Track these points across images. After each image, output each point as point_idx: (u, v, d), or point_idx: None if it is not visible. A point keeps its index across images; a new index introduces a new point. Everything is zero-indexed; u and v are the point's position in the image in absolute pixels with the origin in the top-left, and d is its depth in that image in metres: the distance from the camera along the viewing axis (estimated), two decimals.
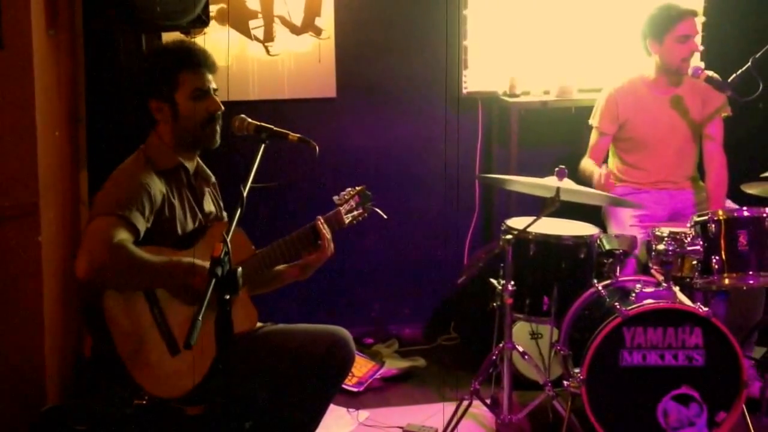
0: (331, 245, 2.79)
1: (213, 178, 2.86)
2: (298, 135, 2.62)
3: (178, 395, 2.51)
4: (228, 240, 2.08)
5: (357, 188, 2.98)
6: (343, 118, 4.19)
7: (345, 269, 4.12)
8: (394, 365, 3.92)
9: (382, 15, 4.15)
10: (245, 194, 2.26)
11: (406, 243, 4.32)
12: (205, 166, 2.83)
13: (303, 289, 4.16)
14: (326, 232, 2.78)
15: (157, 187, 2.60)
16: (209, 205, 2.82)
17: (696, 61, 3.98)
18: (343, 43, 4.09)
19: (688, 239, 3.11)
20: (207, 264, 2.37)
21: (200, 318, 1.94)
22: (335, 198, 2.93)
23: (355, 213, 2.94)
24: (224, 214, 2.88)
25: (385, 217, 2.98)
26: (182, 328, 2.51)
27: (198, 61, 2.67)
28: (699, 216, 3.23)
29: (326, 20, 4.05)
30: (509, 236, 3.13)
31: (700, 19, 3.92)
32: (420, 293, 4.37)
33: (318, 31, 4.05)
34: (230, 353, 2.13)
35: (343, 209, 2.90)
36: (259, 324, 2.79)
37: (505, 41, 4.19)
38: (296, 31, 4.04)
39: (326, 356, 2.70)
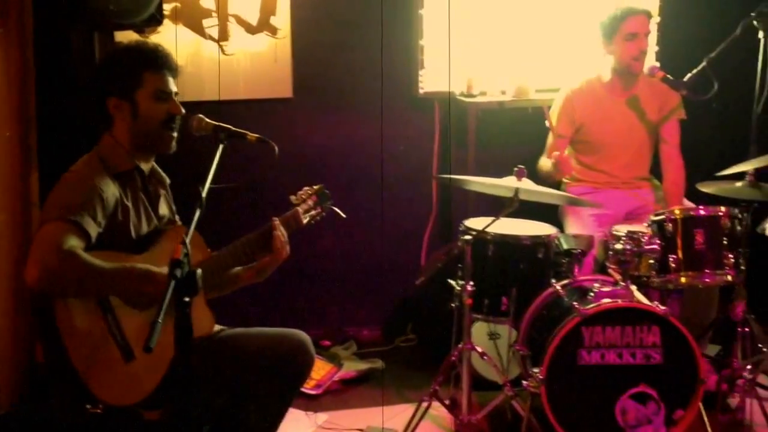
0: (287, 247, 2.75)
1: (167, 181, 2.81)
2: (257, 135, 2.60)
3: (133, 402, 2.45)
4: (188, 241, 2.04)
5: (315, 187, 2.95)
6: (300, 119, 4.16)
7: (302, 271, 4.09)
8: (352, 367, 3.90)
9: (338, 14, 4.13)
10: (204, 195, 2.22)
11: (363, 244, 4.30)
12: (159, 169, 2.78)
13: (260, 291, 4.11)
14: (281, 234, 2.74)
15: (111, 190, 2.52)
16: (163, 209, 2.76)
17: (651, 61, 4.02)
18: (300, 42, 4.06)
19: (646, 238, 3.14)
20: (163, 270, 2.34)
21: (160, 320, 1.89)
22: (292, 197, 2.89)
23: (313, 212, 2.91)
24: (177, 217, 2.82)
25: (344, 216, 2.96)
26: (137, 334, 2.46)
27: (162, 63, 2.63)
28: (656, 215, 3.25)
29: (282, 19, 4.01)
30: (468, 237, 3.13)
31: (654, 19, 3.97)
32: (378, 295, 4.35)
33: (274, 31, 4.01)
34: (188, 357, 2.08)
35: (300, 209, 2.86)
36: (216, 328, 2.74)
37: (461, 41, 4.18)
38: (251, 30, 4.00)
39: (285, 360, 2.66)
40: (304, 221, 2.86)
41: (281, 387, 2.70)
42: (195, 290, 2.00)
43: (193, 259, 2.43)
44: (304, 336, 2.75)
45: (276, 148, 2.59)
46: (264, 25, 4.00)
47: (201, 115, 2.58)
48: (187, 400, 2.30)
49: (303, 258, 3.65)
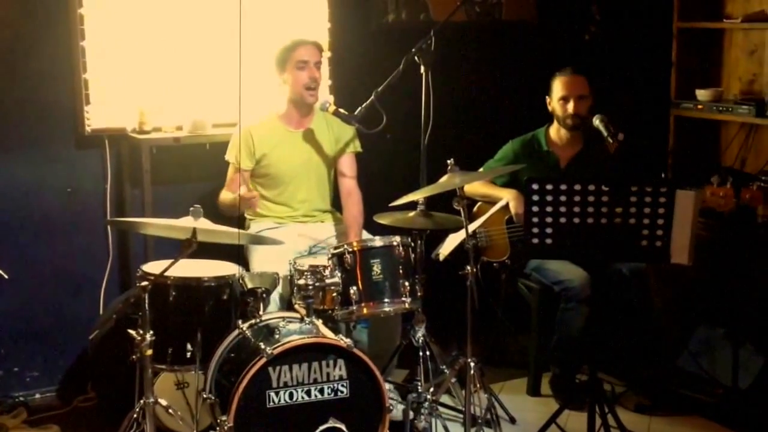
0: None
1: None
2: None
3: None
4: None
5: None
6: None
7: None
8: None
9: None
10: None
11: (30, 298, 3.91)
12: None
13: None
14: None
15: None
16: None
17: (325, 95, 4.09)
18: None
19: (327, 272, 3.18)
20: None
21: None
22: None
23: None
24: None
25: (6, 276, 2.66)
26: None
27: None
28: (336, 248, 3.31)
29: None
30: (145, 282, 2.94)
31: (326, 54, 4.05)
32: (51, 353, 3.98)
33: None
34: None
35: None
36: None
37: (130, 75, 3.96)
38: None
39: None
40: None
41: None
42: None
43: None
44: None
45: None
46: None
47: None
48: None
49: None
